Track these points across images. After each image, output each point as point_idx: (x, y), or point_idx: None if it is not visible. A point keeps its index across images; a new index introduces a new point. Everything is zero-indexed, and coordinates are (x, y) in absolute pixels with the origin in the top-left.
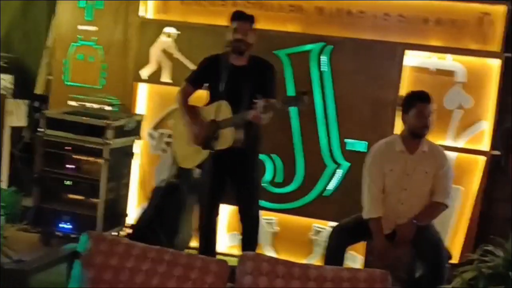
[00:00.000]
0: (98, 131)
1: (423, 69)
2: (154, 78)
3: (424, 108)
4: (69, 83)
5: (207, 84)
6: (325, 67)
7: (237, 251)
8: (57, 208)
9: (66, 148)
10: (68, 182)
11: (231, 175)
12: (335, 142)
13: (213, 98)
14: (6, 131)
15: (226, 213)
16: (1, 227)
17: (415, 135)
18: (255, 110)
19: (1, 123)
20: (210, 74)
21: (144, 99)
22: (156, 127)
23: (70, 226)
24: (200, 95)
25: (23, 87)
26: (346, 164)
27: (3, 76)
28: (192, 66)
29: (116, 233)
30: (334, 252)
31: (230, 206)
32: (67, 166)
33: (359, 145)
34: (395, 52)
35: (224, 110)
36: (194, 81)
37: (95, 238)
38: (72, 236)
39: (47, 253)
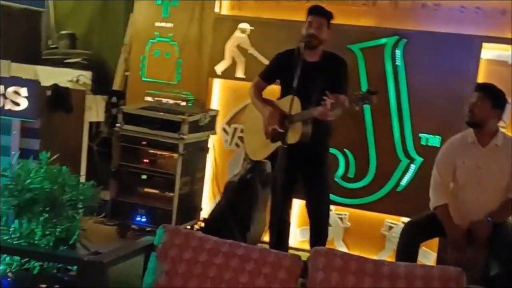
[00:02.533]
0: (174, 126)
1: (500, 62)
2: (228, 74)
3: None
4: (145, 79)
5: (279, 79)
6: (399, 61)
7: (307, 246)
8: (133, 201)
9: (142, 142)
10: (144, 176)
11: (301, 170)
12: (408, 136)
13: (284, 93)
14: (85, 126)
15: (297, 208)
16: (79, 220)
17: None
18: (323, 107)
19: (82, 119)
20: (282, 69)
21: (218, 94)
22: (229, 122)
23: (145, 219)
24: (273, 89)
25: (102, 83)
26: (419, 160)
27: (82, 72)
28: (266, 61)
29: (189, 227)
30: (407, 248)
31: (301, 201)
32: (143, 160)
33: (433, 140)
34: (472, 45)
35: (294, 105)
36: (267, 76)
37: (170, 232)
38: (148, 229)
39: (124, 246)
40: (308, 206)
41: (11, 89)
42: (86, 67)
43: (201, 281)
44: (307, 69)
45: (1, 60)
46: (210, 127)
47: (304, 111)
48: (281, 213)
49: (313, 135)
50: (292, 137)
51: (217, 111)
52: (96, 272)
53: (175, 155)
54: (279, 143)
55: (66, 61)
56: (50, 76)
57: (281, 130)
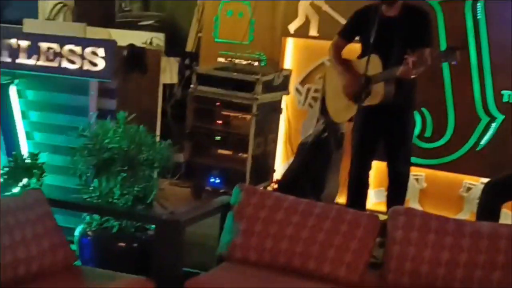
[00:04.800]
0: (247, 87)
1: None
2: (301, 32)
3: None
4: (218, 40)
5: (358, 37)
6: (480, 15)
7: (381, 208)
8: (207, 163)
9: (216, 103)
10: (217, 138)
11: (383, 131)
12: (489, 94)
13: (364, 51)
14: (159, 88)
15: (373, 169)
16: (156, 179)
17: None
18: (405, 66)
19: (157, 80)
20: (361, 27)
21: (291, 54)
22: (303, 82)
23: (219, 181)
24: (354, 48)
25: (174, 45)
26: (500, 117)
27: (155, 34)
28: (340, 19)
29: (263, 188)
30: (487, 209)
31: (378, 162)
32: (217, 121)
33: None
34: None
35: (375, 64)
36: (346, 34)
37: (246, 191)
38: (221, 190)
39: (200, 205)
40: (389, 166)
41: (88, 49)
42: (159, 29)
43: (277, 240)
44: (386, 25)
45: (77, 23)
46: (283, 87)
47: (386, 71)
48: (360, 174)
49: (396, 95)
50: (375, 98)
51: (290, 70)
52: (174, 231)
53: (249, 116)
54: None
55: (139, 23)
56: (123, 39)
57: (363, 92)
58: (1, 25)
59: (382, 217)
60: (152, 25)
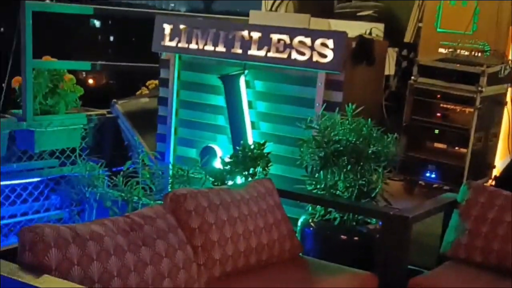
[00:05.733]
0: (471, 79)
1: None
2: None
3: None
4: (440, 30)
5: None
6: None
7: None
8: (422, 156)
9: (436, 96)
10: (436, 131)
11: None
12: None
13: None
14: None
15: None
16: (382, 173)
17: None
18: None
19: (382, 71)
20: None
21: None
22: None
23: (434, 176)
24: None
25: (392, 35)
26: None
27: (374, 24)
28: None
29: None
30: None
31: None
32: (436, 114)
33: None
34: None
35: None
36: None
37: (475, 189)
38: (434, 185)
39: (426, 202)
40: None
41: (318, 41)
42: (377, 20)
43: (505, 242)
44: None
45: (302, 14)
46: (509, 79)
47: None
48: None
49: None
50: None
51: None
52: (401, 227)
53: (470, 109)
54: None
55: (358, 14)
56: (342, 29)
57: None
58: (229, 17)
59: None
60: (371, 15)
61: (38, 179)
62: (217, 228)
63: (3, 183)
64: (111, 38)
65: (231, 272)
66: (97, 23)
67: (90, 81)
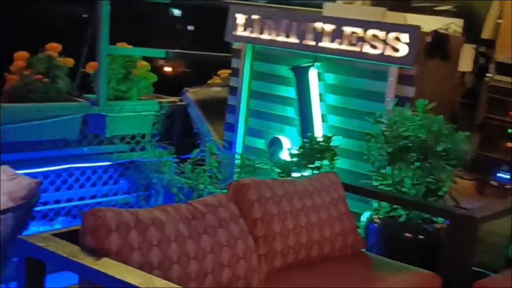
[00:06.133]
0: None
1: None
2: None
3: None
4: None
5: None
6: None
7: None
8: (495, 156)
9: None
10: (510, 130)
11: None
12: None
13: None
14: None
15: None
16: (452, 171)
17: None
18: None
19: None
20: None
21: None
22: None
23: (508, 176)
24: None
25: (471, 31)
26: None
27: (453, 20)
28: None
29: None
30: None
31: None
32: (511, 113)
33: None
34: None
35: None
36: None
37: None
38: (507, 186)
39: (495, 203)
40: None
41: (392, 34)
42: (455, 15)
43: None
44: None
45: (377, 8)
46: None
47: None
48: None
49: None
50: None
51: None
52: (468, 228)
53: None
54: None
55: (436, 8)
56: (418, 24)
57: None
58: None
59: None
60: (450, 10)
61: (108, 163)
62: (280, 219)
63: (73, 165)
64: (190, 28)
65: (292, 264)
66: (176, 12)
67: (168, 69)
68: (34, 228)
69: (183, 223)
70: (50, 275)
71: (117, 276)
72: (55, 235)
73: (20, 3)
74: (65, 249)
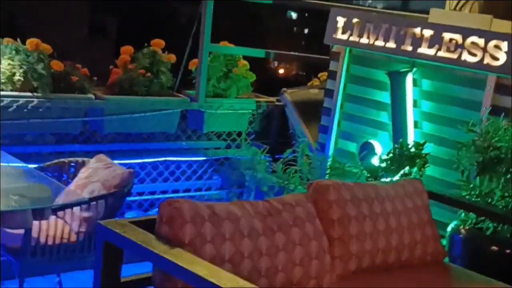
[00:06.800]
0: None
1: None
2: None
3: None
4: None
5: None
6: None
7: None
8: None
9: None
10: None
11: None
12: None
13: None
14: None
15: None
16: None
17: None
18: None
19: None
20: None
21: None
22: None
23: None
24: None
25: None
26: None
27: None
28: None
29: None
30: None
31: None
32: None
33: None
34: None
35: None
36: None
37: None
38: None
39: None
40: None
41: (492, 43)
42: None
43: None
44: None
45: (483, 15)
46: None
47: None
48: None
49: None
50: None
51: None
52: None
53: None
54: None
55: None
56: None
57: None
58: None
59: None
60: None
61: (204, 158)
62: (357, 222)
63: (170, 159)
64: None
65: (367, 268)
66: (294, 15)
67: (281, 71)
68: (129, 216)
69: (258, 219)
70: (126, 265)
71: (186, 266)
72: (133, 222)
73: (149, 3)
74: (140, 236)
